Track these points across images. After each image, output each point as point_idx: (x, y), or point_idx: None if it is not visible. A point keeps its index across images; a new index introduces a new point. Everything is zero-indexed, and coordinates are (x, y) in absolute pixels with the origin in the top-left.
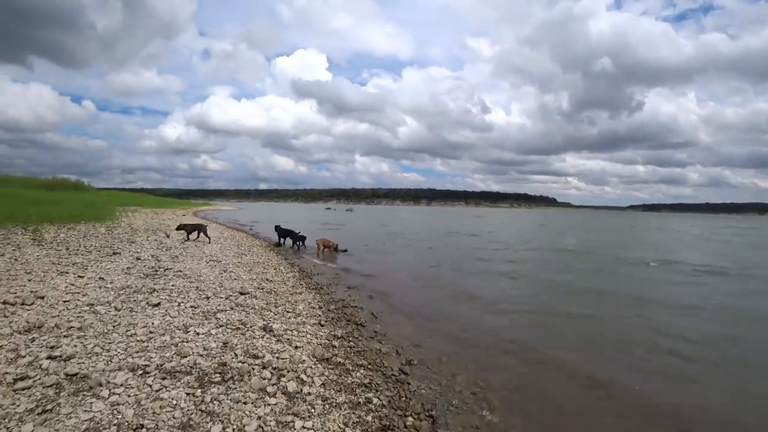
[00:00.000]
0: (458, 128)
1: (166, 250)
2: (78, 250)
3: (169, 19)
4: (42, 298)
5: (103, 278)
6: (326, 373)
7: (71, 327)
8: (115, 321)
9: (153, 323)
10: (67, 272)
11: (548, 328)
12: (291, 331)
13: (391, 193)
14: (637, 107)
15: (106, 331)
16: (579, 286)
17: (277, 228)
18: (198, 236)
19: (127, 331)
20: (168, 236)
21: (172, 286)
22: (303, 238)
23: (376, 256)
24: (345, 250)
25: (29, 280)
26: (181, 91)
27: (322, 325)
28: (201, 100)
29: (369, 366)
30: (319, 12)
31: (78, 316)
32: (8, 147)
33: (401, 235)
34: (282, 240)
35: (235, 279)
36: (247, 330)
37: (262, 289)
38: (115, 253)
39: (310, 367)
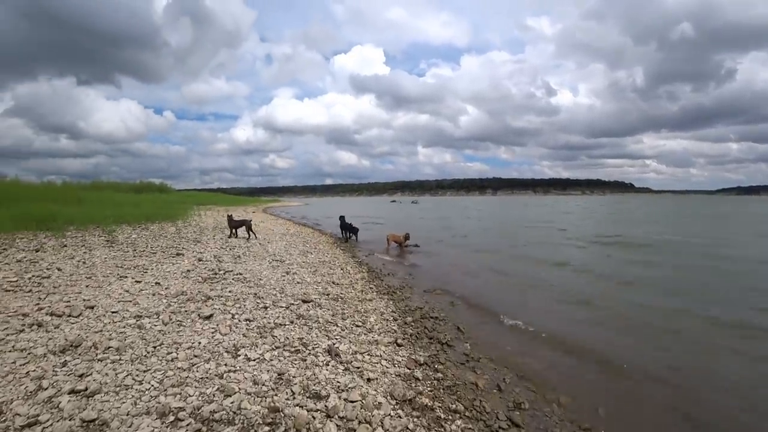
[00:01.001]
0: (522, 113)
1: (230, 249)
2: (144, 251)
3: (232, 29)
4: (92, 308)
5: (159, 283)
6: (411, 426)
7: (109, 347)
8: (158, 339)
9: (200, 343)
10: (126, 276)
11: (705, 352)
12: (362, 354)
13: (455, 184)
14: (728, 76)
15: (145, 354)
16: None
17: (342, 220)
18: (251, 232)
19: (168, 354)
20: (236, 235)
21: (229, 292)
22: (355, 230)
23: (450, 252)
24: (416, 245)
25: (87, 287)
26: (247, 96)
27: (399, 345)
28: (266, 102)
29: (466, 412)
30: (373, 6)
31: (120, 332)
32: (105, 156)
33: (471, 228)
34: (346, 234)
35: (298, 283)
36: (309, 354)
37: (328, 295)
38: (178, 254)
39: (389, 416)
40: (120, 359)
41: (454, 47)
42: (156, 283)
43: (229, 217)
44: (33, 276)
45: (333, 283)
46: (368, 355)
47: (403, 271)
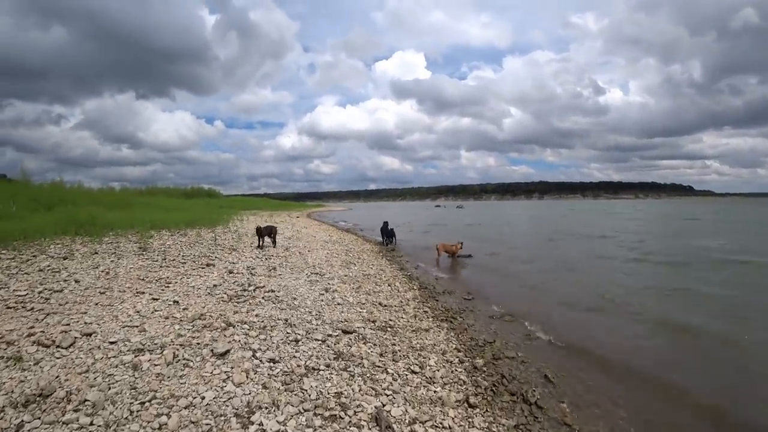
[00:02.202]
0: (568, 114)
1: (266, 259)
2: (174, 260)
3: (277, 41)
4: (89, 335)
5: (178, 301)
6: None
7: (85, 401)
8: (151, 390)
9: (203, 399)
10: (144, 292)
11: None
12: (423, 424)
13: (499, 188)
14: None
15: (125, 416)
16: None
17: (385, 225)
18: (272, 241)
19: (158, 416)
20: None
21: (255, 316)
22: (392, 234)
23: (509, 266)
24: (469, 256)
25: (96, 304)
26: (292, 104)
27: (471, 406)
28: (310, 110)
29: None
30: (412, 12)
31: (108, 375)
32: (162, 164)
33: (526, 236)
34: (386, 240)
35: (338, 304)
36: (348, 422)
37: (374, 322)
38: (208, 265)
39: None
40: (90, 424)
41: (496, 48)
42: (174, 301)
43: (258, 229)
44: (44, 289)
45: (380, 304)
46: (432, 425)
47: (460, 287)
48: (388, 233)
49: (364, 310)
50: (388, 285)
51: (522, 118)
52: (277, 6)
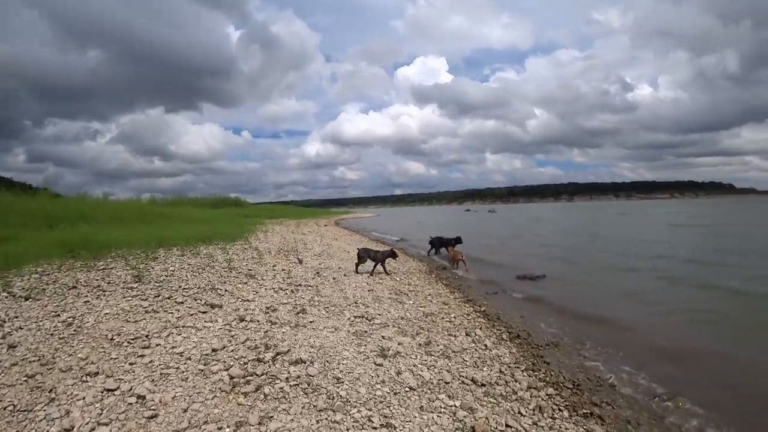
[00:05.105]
0: (595, 113)
1: (293, 292)
2: (170, 297)
3: (299, 52)
4: None
5: (144, 397)
6: None
7: None
8: None
9: None
10: (99, 373)
11: None
12: None
13: (528, 190)
14: None
15: None
16: None
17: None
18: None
19: None
20: (301, 262)
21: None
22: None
23: (600, 290)
24: (542, 276)
25: (4, 409)
26: (316, 113)
27: None
28: (333, 118)
29: None
30: (431, 18)
31: None
32: (192, 175)
33: (590, 246)
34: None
35: (410, 389)
36: None
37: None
38: (213, 306)
39: None
40: None
41: (518, 50)
42: (138, 397)
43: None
44: None
45: (473, 382)
46: None
47: (563, 328)
48: (442, 243)
49: (457, 403)
50: (466, 334)
51: (547, 119)
52: (297, 18)
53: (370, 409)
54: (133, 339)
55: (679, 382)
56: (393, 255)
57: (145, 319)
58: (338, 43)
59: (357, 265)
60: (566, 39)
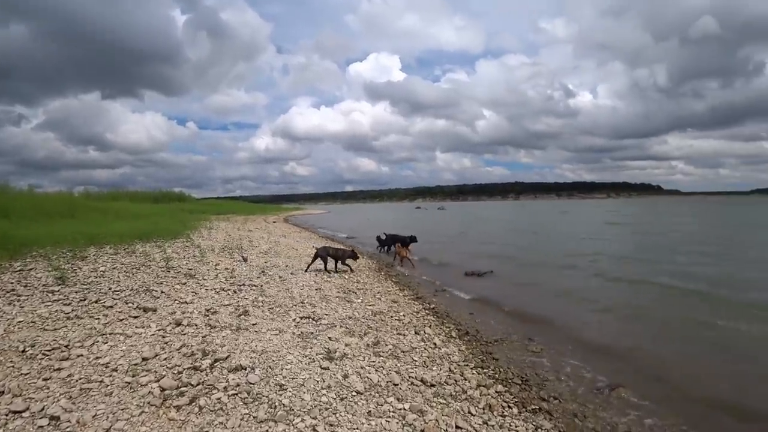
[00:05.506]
0: (541, 116)
1: (236, 293)
2: (99, 299)
3: (249, 42)
4: None
5: (58, 418)
6: None
7: None
8: None
9: None
10: (2, 392)
11: None
12: None
13: (477, 189)
14: (756, 71)
15: None
16: None
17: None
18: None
19: None
20: (246, 260)
21: None
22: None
23: (545, 287)
24: (490, 272)
25: None
26: (266, 105)
27: None
28: (284, 111)
29: None
30: (385, 16)
31: None
32: (132, 167)
33: (537, 243)
34: (385, 248)
35: (357, 393)
36: None
37: None
38: (145, 310)
39: None
40: None
41: (469, 52)
42: (51, 417)
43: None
44: None
45: (422, 382)
46: None
47: (511, 324)
48: (385, 242)
49: (406, 405)
50: (415, 332)
51: (496, 120)
52: (249, 6)
53: (314, 418)
54: (49, 350)
55: (620, 374)
56: (354, 256)
57: (66, 326)
58: (290, 34)
59: (309, 264)
60: (515, 45)
